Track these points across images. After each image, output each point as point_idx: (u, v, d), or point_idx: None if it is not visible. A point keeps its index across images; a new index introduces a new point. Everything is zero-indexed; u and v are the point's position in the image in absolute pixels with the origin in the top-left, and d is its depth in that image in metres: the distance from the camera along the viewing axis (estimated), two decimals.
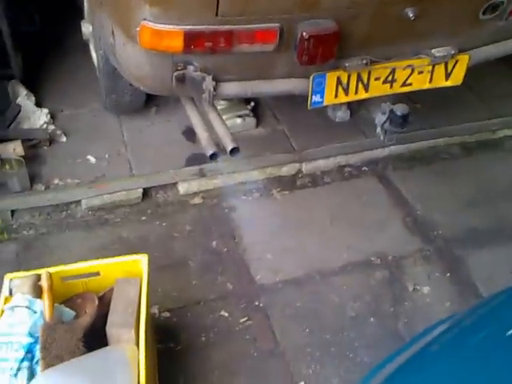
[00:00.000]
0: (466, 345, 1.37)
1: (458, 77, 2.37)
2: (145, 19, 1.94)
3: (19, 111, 2.87)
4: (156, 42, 1.98)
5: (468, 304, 2.16)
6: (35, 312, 1.71)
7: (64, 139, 2.93)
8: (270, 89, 2.26)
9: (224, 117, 2.45)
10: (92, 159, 2.84)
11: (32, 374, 1.63)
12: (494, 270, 2.43)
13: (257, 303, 2.31)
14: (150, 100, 3.05)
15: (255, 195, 2.77)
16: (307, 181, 2.86)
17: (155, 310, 2.23)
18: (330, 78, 2.21)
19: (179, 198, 2.74)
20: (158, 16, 1.93)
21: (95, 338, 1.73)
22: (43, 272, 1.81)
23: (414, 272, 2.45)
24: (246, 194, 2.77)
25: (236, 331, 2.21)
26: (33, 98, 3.01)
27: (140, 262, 1.90)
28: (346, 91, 2.28)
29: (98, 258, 1.98)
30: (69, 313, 1.80)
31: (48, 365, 1.59)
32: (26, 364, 1.62)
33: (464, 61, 2.33)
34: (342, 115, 2.49)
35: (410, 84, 2.33)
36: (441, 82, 2.37)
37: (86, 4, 2.86)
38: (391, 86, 2.32)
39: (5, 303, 1.75)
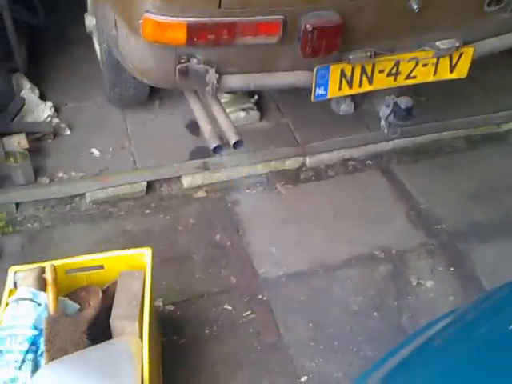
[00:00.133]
0: (468, 338, 1.37)
1: (462, 69, 2.35)
2: (147, 11, 1.93)
3: (23, 104, 2.88)
4: (159, 34, 1.97)
5: (472, 298, 2.15)
6: (39, 305, 1.72)
7: (68, 132, 2.94)
8: (274, 81, 2.25)
9: (227, 110, 2.44)
10: (96, 152, 2.84)
11: (36, 367, 1.64)
12: (498, 264, 2.42)
13: (260, 297, 2.31)
14: (154, 93, 3.04)
15: (259, 189, 2.77)
16: (311, 174, 2.86)
17: (159, 302, 2.24)
18: (334, 71, 2.20)
19: (183, 191, 2.74)
20: (160, 8, 1.92)
21: (99, 330, 1.73)
22: (47, 265, 1.82)
23: (418, 266, 2.44)
24: (249, 187, 2.77)
25: (239, 324, 2.21)
26: (37, 91, 3.02)
27: (144, 255, 1.90)
28: (350, 84, 2.27)
29: (102, 251, 1.99)
30: (73, 305, 1.81)
31: (52, 357, 1.60)
32: (30, 356, 1.63)
33: (469, 53, 2.31)
34: (346, 108, 2.47)
35: (415, 77, 2.32)
36: (445, 74, 2.35)
37: None
38: (395, 79, 2.30)
39: (9, 296, 1.76)
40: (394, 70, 2.27)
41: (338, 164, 2.90)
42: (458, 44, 2.25)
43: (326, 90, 2.25)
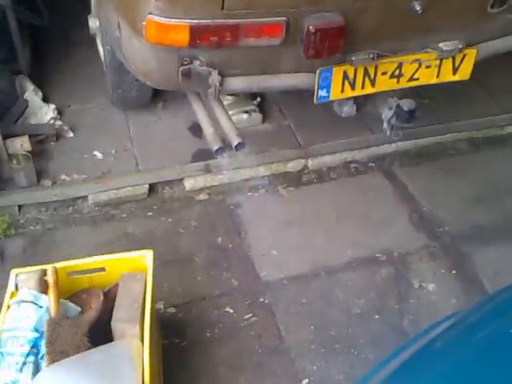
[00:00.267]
0: (470, 341, 1.36)
1: (465, 71, 2.35)
2: (151, 13, 1.93)
3: (26, 106, 2.88)
4: (162, 36, 1.97)
5: (474, 301, 2.14)
6: (41, 307, 1.72)
7: (71, 134, 2.94)
8: (276, 83, 2.25)
9: (230, 112, 2.45)
10: (99, 155, 2.84)
11: (37, 369, 1.63)
12: (500, 267, 2.41)
13: (262, 299, 2.30)
14: (157, 95, 3.04)
15: (261, 191, 2.76)
16: (313, 177, 2.85)
17: (160, 305, 2.24)
18: (337, 73, 2.20)
19: (185, 193, 2.74)
20: (163, 10, 1.92)
21: (100, 333, 1.73)
22: (49, 267, 1.81)
23: (420, 269, 2.43)
24: (251, 190, 2.76)
25: (241, 327, 2.21)
26: (40, 94, 3.02)
27: (145, 258, 1.90)
28: (353, 86, 2.26)
29: (103, 254, 1.99)
30: (74, 308, 1.80)
31: (53, 360, 1.60)
32: (31, 359, 1.63)
33: (472, 55, 2.31)
34: (349, 110, 2.47)
35: (417, 79, 2.32)
36: (448, 76, 2.35)
37: None
38: (398, 81, 2.30)
39: (11, 298, 1.76)
40: (396, 72, 2.27)
41: (341, 166, 2.90)
42: (461, 46, 2.24)
43: (328, 91, 2.25)
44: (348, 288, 2.35)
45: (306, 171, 2.86)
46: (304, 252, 2.48)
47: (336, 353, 2.14)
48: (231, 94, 2.86)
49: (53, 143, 2.87)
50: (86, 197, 2.65)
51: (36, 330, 1.66)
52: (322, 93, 2.25)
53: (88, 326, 1.72)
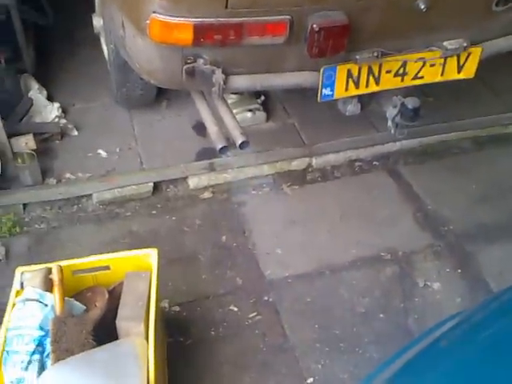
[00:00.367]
0: (475, 340, 1.36)
1: (470, 70, 2.34)
2: (154, 12, 1.93)
3: (31, 105, 2.89)
4: (165, 34, 1.98)
5: (479, 300, 2.14)
6: (46, 305, 1.73)
7: (75, 133, 2.95)
8: (280, 82, 2.25)
9: (234, 111, 2.45)
10: (103, 153, 2.85)
11: (42, 367, 1.64)
12: (505, 266, 2.41)
13: (266, 298, 2.30)
14: (161, 94, 3.05)
15: (265, 190, 2.76)
16: (317, 175, 2.85)
17: (165, 303, 2.24)
18: (341, 71, 2.20)
19: (189, 192, 2.75)
20: (167, 8, 1.92)
21: (105, 331, 1.74)
22: (54, 266, 1.82)
23: (425, 268, 2.43)
24: (255, 188, 2.76)
25: (245, 326, 2.21)
26: (44, 92, 3.03)
27: (150, 256, 1.90)
28: (357, 84, 2.26)
29: (108, 252, 1.99)
30: (79, 306, 1.81)
31: (58, 358, 1.61)
32: (36, 357, 1.64)
33: (476, 53, 2.30)
34: (353, 109, 2.46)
35: (422, 77, 2.31)
36: (453, 74, 2.34)
37: None
38: (402, 79, 2.29)
39: (16, 296, 1.77)
40: (401, 71, 2.26)
41: (345, 165, 2.89)
42: (465, 44, 2.23)
43: (332, 90, 2.25)
44: (352, 287, 2.35)
45: (310, 170, 2.86)
46: (308, 250, 2.48)
47: (340, 351, 2.14)
48: (235, 93, 2.85)
49: (57, 142, 2.88)
50: (91, 195, 2.66)
51: (41, 329, 1.67)
52: (326, 91, 2.25)
53: (93, 324, 1.72)
